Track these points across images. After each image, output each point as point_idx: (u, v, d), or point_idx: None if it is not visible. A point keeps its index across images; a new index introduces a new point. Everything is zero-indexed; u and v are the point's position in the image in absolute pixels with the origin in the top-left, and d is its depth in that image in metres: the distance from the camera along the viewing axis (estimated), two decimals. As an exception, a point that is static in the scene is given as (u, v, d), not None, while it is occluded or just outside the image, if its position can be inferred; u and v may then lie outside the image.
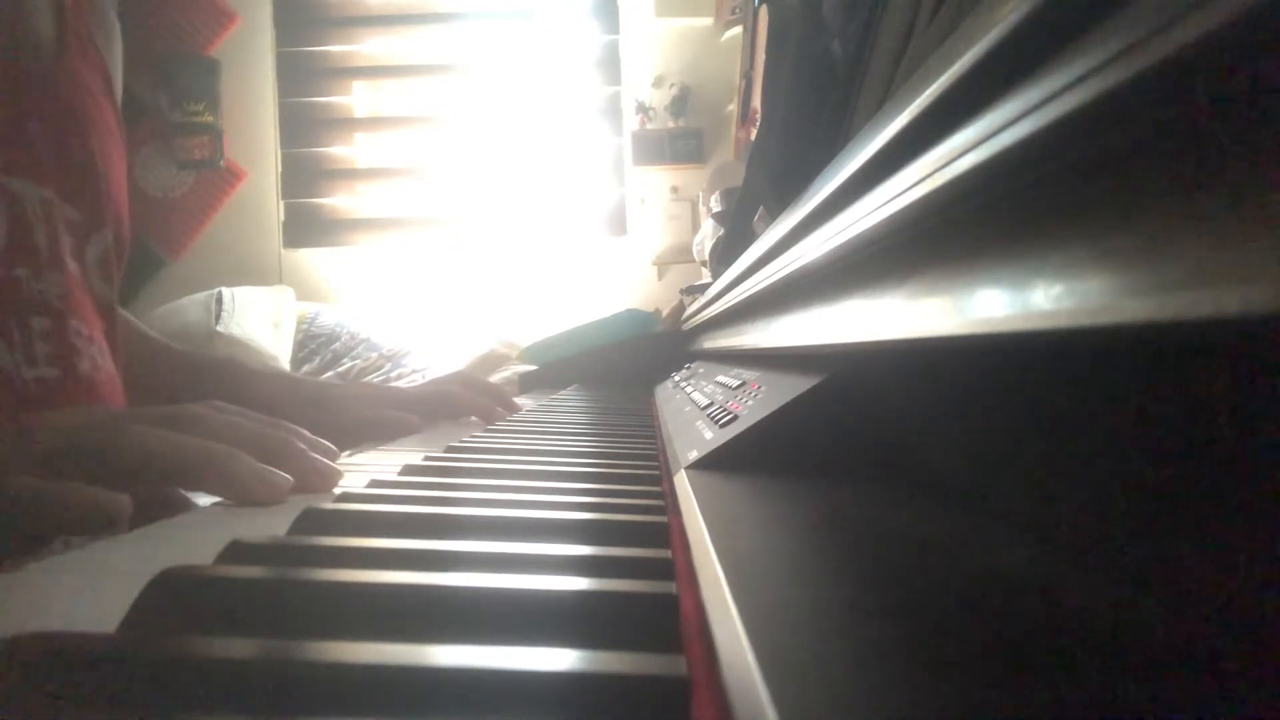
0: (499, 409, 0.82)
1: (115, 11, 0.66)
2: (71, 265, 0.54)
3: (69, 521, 0.32)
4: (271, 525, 0.31)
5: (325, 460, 0.42)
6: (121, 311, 0.63)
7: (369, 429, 0.70)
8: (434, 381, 0.86)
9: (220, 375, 0.74)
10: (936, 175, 0.22)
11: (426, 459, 0.49)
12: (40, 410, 0.47)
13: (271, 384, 0.76)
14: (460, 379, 0.86)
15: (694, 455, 0.42)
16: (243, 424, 0.41)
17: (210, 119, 2.78)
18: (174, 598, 0.21)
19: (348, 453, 0.56)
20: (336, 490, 0.40)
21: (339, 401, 0.75)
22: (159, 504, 0.37)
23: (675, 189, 2.79)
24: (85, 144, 0.57)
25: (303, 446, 0.41)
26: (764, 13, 1.64)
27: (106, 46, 0.63)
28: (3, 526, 0.31)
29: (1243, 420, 0.17)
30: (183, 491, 0.36)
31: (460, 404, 0.80)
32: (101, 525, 0.32)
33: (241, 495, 0.37)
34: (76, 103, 0.57)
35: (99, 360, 0.55)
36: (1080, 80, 0.15)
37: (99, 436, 0.36)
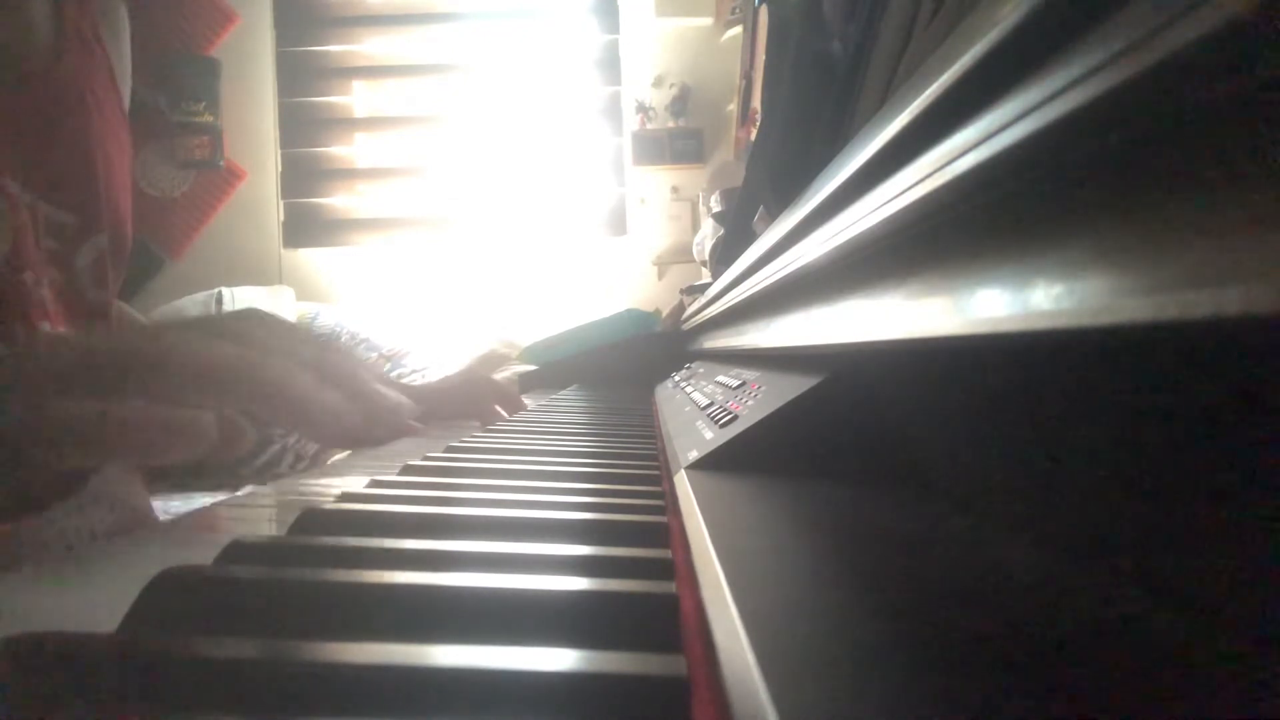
0: (505, 410, 0.82)
1: (123, 3, 0.65)
2: (55, 271, 0.54)
3: (138, 448, 0.27)
4: (271, 526, 0.31)
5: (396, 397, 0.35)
6: (121, 305, 0.63)
7: (373, 432, 0.69)
8: (446, 380, 0.85)
9: None
10: (936, 175, 0.22)
11: (426, 459, 0.49)
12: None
13: None
14: (468, 377, 0.85)
15: (694, 455, 0.42)
16: (289, 333, 0.35)
17: (210, 119, 2.78)
18: (174, 598, 0.21)
19: (347, 452, 0.56)
20: (336, 490, 0.40)
21: None
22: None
23: (675, 189, 2.79)
24: (83, 146, 0.56)
25: (377, 386, 0.35)
26: (764, 13, 1.64)
27: (113, 40, 0.62)
28: (45, 460, 0.26)
29: (1243, 420, 0.17)
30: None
31: (472, 403, 0.80)
32: (184, 450, 0.27)
33: (326, 427, 0.31)
34: (75, 103, 0.56)
35: None
36: (1080, 80, 0.15)
37: (150, 347, 0.30)
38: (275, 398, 0.30)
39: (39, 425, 0.26)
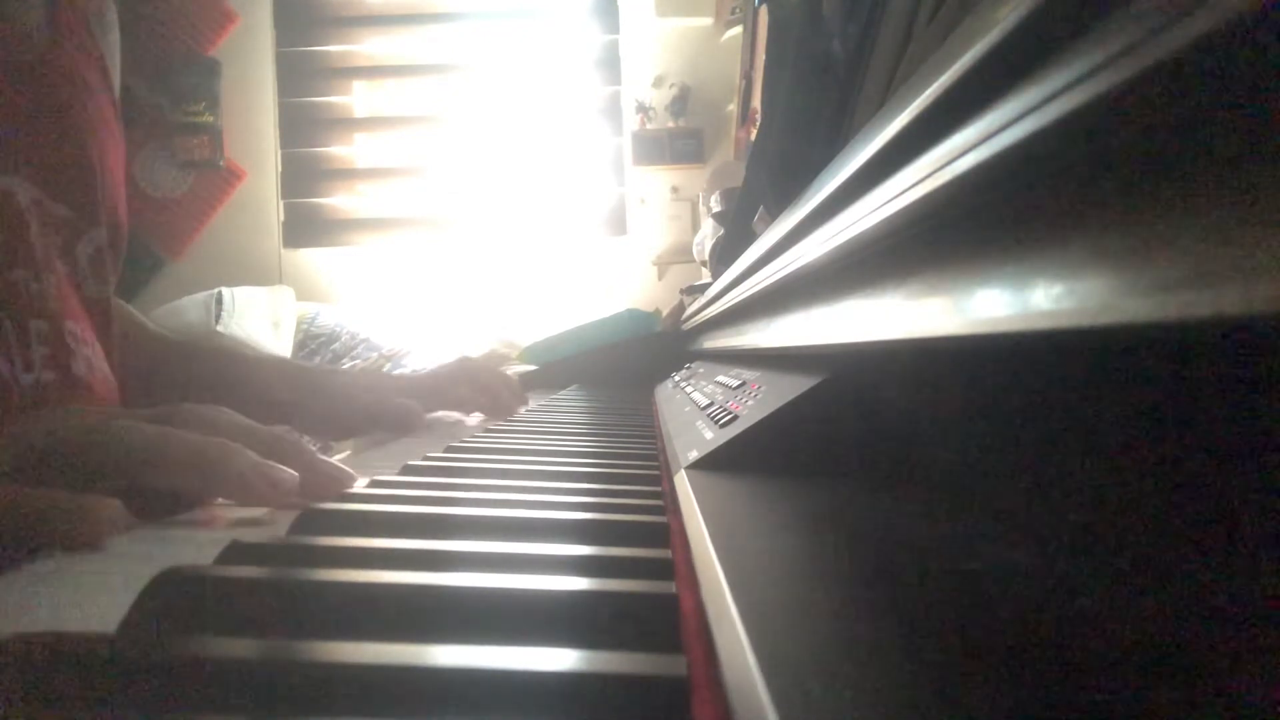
0: (507, 403, 0.81)
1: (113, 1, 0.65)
2: (60, 265, 0.53)
3: (50, 534, 0.28)
4: (271, 526, 0.31)
5: (335, 464, 0.39)
6: (117, 301, 0.62)
7: (375, 421, 0.69)
8: (442, 368, 0.84)
9: (218, 363, 0.73)
10: (936, 175, 0.22)
11: (426, 459, 0.49)
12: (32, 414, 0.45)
13: (272, 371, 0.74)
14: (469, 368, 0.84)
15: (694, 455, 0.42)
16: (244, 422, 0.39)
17: (210, 119, 2.78)
18: (174, 598, 0.21)
19: (347, 452, 0.56)
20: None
21: (346, 390, 0.74)
22: (162, 503, 0.35)
23: (675, 189, 2.79)
24: (79, 139, 0.56)
25: (312, 450, 0.39)
26: (764, 13, 1.64)
27: (103, 35, 0.62)
28: None
29: (1242, 420, 0.17)
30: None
31: (469, 394, 0.80)
32: (89, 536, 0.29)
33: (241, 493, 0.34)
34: (69, 95, 0.56)
35: (94, 361, 0.55)
36: (1080, 80, 0.15)
37: (80, 434, 0.33)
38: (199, 471, 0.34)
39: None
